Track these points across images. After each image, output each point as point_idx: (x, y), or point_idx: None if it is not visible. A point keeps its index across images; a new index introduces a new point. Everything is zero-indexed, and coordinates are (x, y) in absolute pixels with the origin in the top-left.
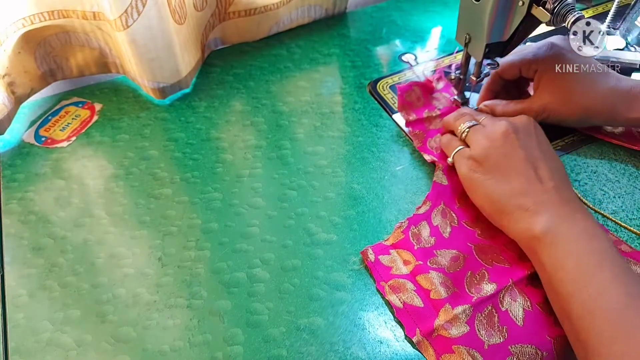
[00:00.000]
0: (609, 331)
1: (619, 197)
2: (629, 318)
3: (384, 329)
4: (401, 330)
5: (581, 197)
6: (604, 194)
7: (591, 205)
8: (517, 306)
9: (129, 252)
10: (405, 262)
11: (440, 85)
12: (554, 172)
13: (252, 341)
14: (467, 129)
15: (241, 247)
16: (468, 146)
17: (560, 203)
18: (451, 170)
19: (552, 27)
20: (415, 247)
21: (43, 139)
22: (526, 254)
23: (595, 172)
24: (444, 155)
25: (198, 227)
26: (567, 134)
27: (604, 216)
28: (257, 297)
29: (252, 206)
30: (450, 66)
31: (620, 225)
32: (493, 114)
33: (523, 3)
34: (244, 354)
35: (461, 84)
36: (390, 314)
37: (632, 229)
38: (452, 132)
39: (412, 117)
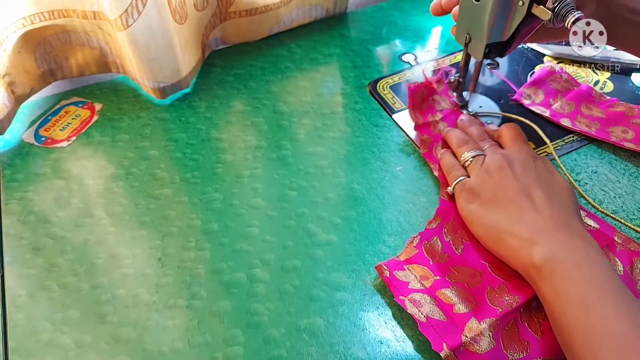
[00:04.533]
0: (615, 358)
1: (620, 197)
2: (636, 346)
3: (384, 330)
4: (401, 330)
5: (585, 195)
6: (604, 194)
7: (592, 202)
8: (534, 320)
9: (129, 252)
10: (423, 278)
11: (440, 87)
12: (552, 199)
13: (252, 342)
14: (471, 159)
15: (241, 248)
16: (468, 175)
17: (557, 230)
18: (452, 196)
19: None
20: (431, 263)
21: (43, 138)
22: (529, 282)
23: (595, 172)
24: (444, 178)
25: (198, 228)
26: (568, 134)
27: (604, 213)
28: (257, 298)
29: (252, 207)
30: (451, 68)
31: (623, 224)
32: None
33: (523, 3)
34: (244, 354)
35: (460, 86)
36: (391, 314)
37: (634, 227)
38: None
39: (420, 120)
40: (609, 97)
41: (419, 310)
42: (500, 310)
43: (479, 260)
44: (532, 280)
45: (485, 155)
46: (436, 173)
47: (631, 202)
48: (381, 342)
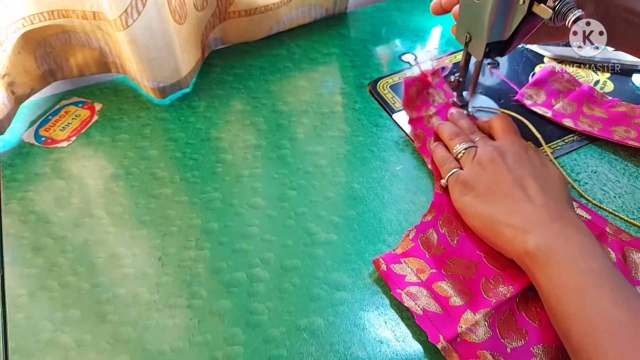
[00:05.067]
0: (614, 347)
1: (619, 196)
2: (634, 334)
3: (384, 329)
4: (401, 329)
5: (585, 195)
6: (604, 194)
7: (593, 201)
8: (532, 309)
9: (129, 252)
10: (419, 271)
11: (435, 80)
12: (545, 189)
13: (252, 341)
14: (463, 151)
15: (241, 247)
16: (461, 167)
17: (551, 220)
18: (446, 189)
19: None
20: (427, 255)
21: (43, 138)
22: (524, 271)
23: (595, 172)
24: (438, 171)
25: (198, 227)
26: (567, 134)
27: (606, 212)
28: (257, 297)
29: (252, 206)
30: (452, 66)
31: (623, 219)
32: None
33: (524, 2)
34: (244, 354)
35: (460, 86)
36: (391, 313)
37: (634, 221)
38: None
39: (414, 115)
40: (610, 98)
41: (416, 303)
42: (494, 301)
43: (474, 251)
44: (527, 268)
45: (477, 147)
46: (430, 166)
47: (631, 202)
48: (381, 342)
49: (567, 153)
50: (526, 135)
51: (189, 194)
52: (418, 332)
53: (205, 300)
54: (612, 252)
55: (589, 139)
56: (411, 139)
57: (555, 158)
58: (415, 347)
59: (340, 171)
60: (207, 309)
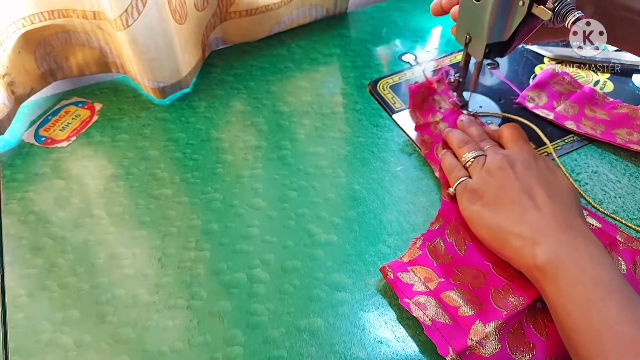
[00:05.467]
0: (620, 359)
1: (620, 197)
2: None
3: (384, 330)
4: (402, 330)
5: (585, 196)
6: (604, 194)
7: (593, 203)
8: (539, 321)
9: (129, 252)
10: (427, 280)
11: (441, 87)
12: (553, 198)
13: (252, 342)
14: (472, 159)
15: (241, 248)
16: (470, 175)
17: (559, 229)
18: (454, 197)
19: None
20: (435, 264)
21: (43, 138)
22: (533, 283)
23: (595, 172)
24: (446, 179)
25: (198, 228)
26: (568, 134)
27: (606, 215)
28: (257, 298)
29: (252, 207)
30: (450, 67)
31: (623, 224)
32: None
33: (523, 3)
34: (244, 355)
35: (460, 86)
36: (391, 314)
37: (633, 226)
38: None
39: (421, 121)
40: (611, 99)
41: (424, 313)
42: (506, 312)
43: (482, 261)
44: (536, 281)
45: (486, 156)
46: (437, 174)
47: (631, 202)
48: (381, 342)
49: (567, 153)
50: (529, 136)
51: (189, 194)
52: (418, 333)
53: (205, 301)
54: (622, 262)
55: (589, 139)
56: (417, 145)
57: (558, 157)
58: (415, 347)
59: (341, 172)
60: (207, 310)
